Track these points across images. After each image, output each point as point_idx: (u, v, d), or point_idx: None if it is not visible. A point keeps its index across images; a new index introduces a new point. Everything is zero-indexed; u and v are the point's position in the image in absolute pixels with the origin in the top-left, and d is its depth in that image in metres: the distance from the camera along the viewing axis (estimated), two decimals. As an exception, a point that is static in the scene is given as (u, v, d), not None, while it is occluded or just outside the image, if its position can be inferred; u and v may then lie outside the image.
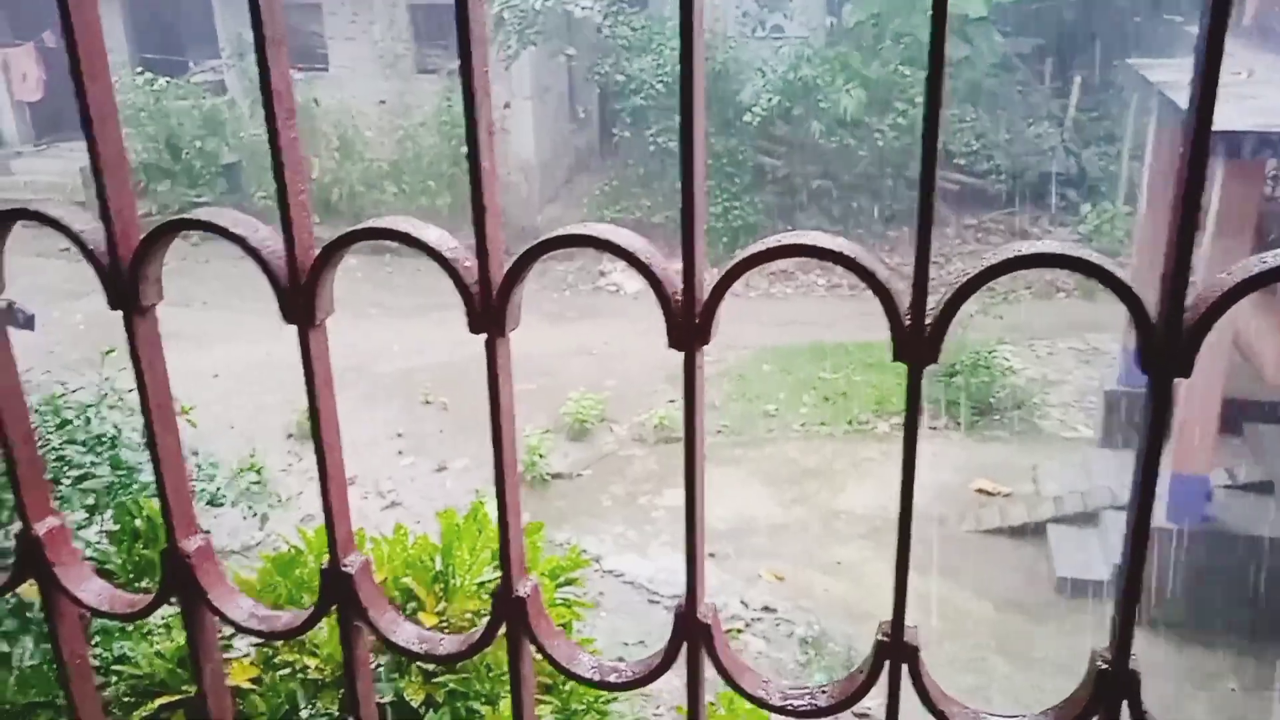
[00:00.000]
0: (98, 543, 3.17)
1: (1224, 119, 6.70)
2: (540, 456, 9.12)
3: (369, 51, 15.59)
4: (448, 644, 0.95)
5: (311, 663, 2.77)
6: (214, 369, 10.54)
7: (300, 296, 0.86)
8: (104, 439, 3.51)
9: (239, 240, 0.87)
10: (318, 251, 0.86)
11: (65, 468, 3.42)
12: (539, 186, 15.77)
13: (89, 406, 3.66)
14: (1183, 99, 7.47)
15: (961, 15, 14.46)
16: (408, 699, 2.82)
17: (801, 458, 9.48)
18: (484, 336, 0.88)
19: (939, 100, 0.73)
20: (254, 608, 0.97)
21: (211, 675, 1.02)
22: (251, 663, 2.79)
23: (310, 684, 2.82)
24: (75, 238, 0.87)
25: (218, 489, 4.10)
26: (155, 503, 3.13)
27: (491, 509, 3.53)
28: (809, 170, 15.24)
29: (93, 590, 0.98)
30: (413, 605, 2.93)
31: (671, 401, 10.34)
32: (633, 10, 15.38)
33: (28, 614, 2.99)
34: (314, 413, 0.91)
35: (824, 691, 0.88)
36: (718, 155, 15.13)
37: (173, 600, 1.00)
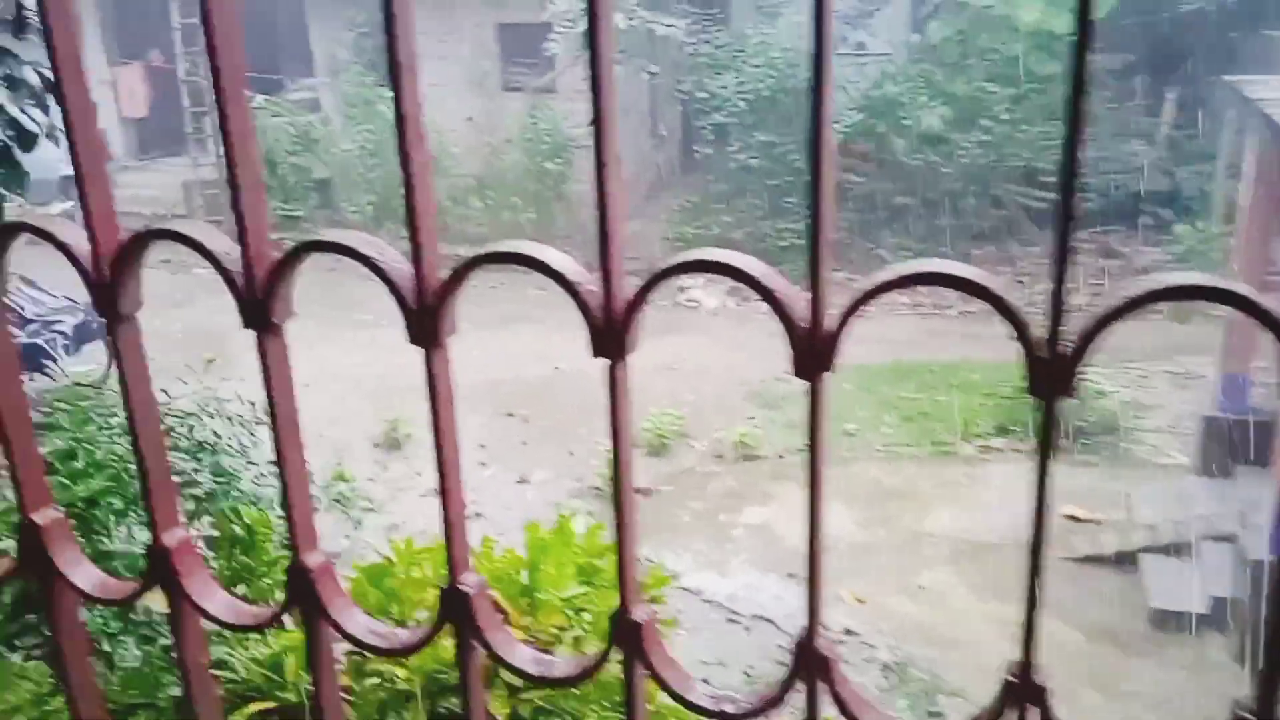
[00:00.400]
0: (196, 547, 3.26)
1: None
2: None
3: (458, 70, 15.89)
4: (562, 667, 0.96)
5: (401, 673, 2.80)
6: (304, 377, 10.78)
7: (427, 318, 0.87)
8: (205, 446, 3.62)
9: (368, 261, 0.89)
10: (446, 274, 0.87)
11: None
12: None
13: (190, 415, 3.78)
14: (1286, 115, 7.23)
15: (1049, 32, 14.18)
16: (492, 712, 2.83)
17: (883, 478, 9.34)
18: (603, 361, 0.88)
19: (1081, 122, 0.72)
20: (372, 624, 0.99)
21: (327, 687, 1.04)
22: (343, 671, 2.84)
23: (399, 695, 2.85)
24: (214, 259, 0.90)
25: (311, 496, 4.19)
26: (254, 510, 3.22)
27: (576, 524, 3.55)
28: (892, 187, 15.07)
29: (218, 602, 1.01)
30: (500, 615, 2.96)
31: (751, 419, 10.29)
32: (716, 28, 15.42)
33: (130, 616, 3.09)
34: (436, 431, 0.92)
35: None
36: (799, 172, 15.05)
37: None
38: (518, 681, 2.89)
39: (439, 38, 15.76)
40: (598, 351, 0.86)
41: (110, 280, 0.94)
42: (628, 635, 0.92)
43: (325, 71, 16.78)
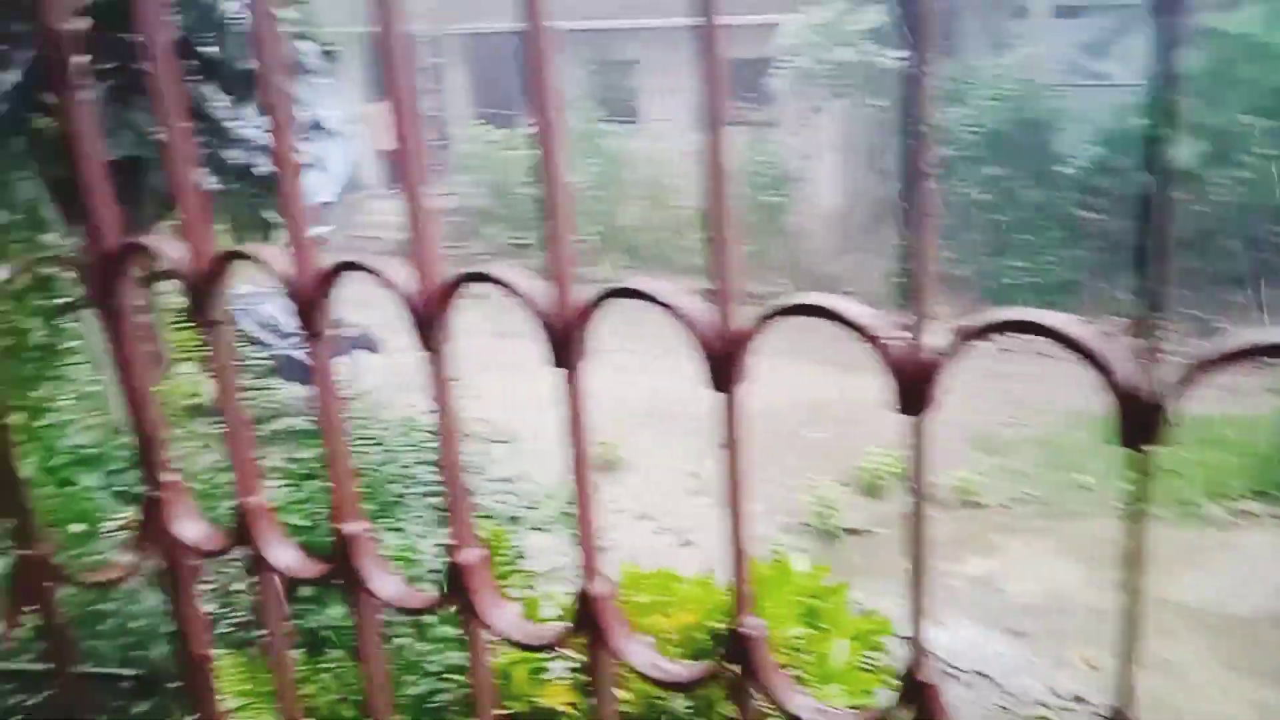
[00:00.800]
0: (437, 556, 3.45)
1: None
2: (832, 509, 8.97)
3: (683, 104, 16.22)
4: (844, 718, 0.93)
5: (624, 695, 2.84)
6: (532, 397, 11.22)
7: (724, 363, 0.89)
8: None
9: (670, 309, 0.91)
10: (746, 323, 0.90)
11: (412, 484, 3.74)
12: (839, 237, 15.69)
13: (436, 432, 3.99)
14: None
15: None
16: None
17: (1119, 537, 8.72)
18: (900, 415, 0.87)
19: None
20: (654, 657, 1.00)
21: (607, 711, 1.06)
22: (570, 687, 2.91)
23: (623, 717, 2.89)
24: (528, 300, 0.95)
25: (538, 514, 4.35)
26: (491, 526, 3.36)
27: (794, 563, 3.50)
28: (1131, 225, 14.15)
29: (506, 620, 1.05)
30: (719, 654, 2.94)
31: (975, 465, 9.86)
32: (943, 60, 15.04)
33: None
34: (731, 473, 0.93)
35: None
36: (1029, 207, 14.42)
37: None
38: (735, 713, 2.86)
39: (666, 74, 16.16)
40: (905, 409, 0.85)
41: (432, 314, 1.01)
42: (920, 695, 0.89)
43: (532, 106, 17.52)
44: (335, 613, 3.24)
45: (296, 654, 3.08)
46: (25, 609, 1.25)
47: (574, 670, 3.03)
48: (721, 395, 0.93)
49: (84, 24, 1.09)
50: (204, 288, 1.10)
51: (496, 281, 0.98)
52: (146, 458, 1.22)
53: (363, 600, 1.12)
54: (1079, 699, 6.66)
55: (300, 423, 4.48)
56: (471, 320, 0.99)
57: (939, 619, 7.11)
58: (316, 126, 6.73)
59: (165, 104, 1.07)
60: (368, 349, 10.34)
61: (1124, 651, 0.86)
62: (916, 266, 0.85)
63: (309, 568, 1.19)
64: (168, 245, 1.15)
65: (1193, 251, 13.89)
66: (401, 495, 3.42)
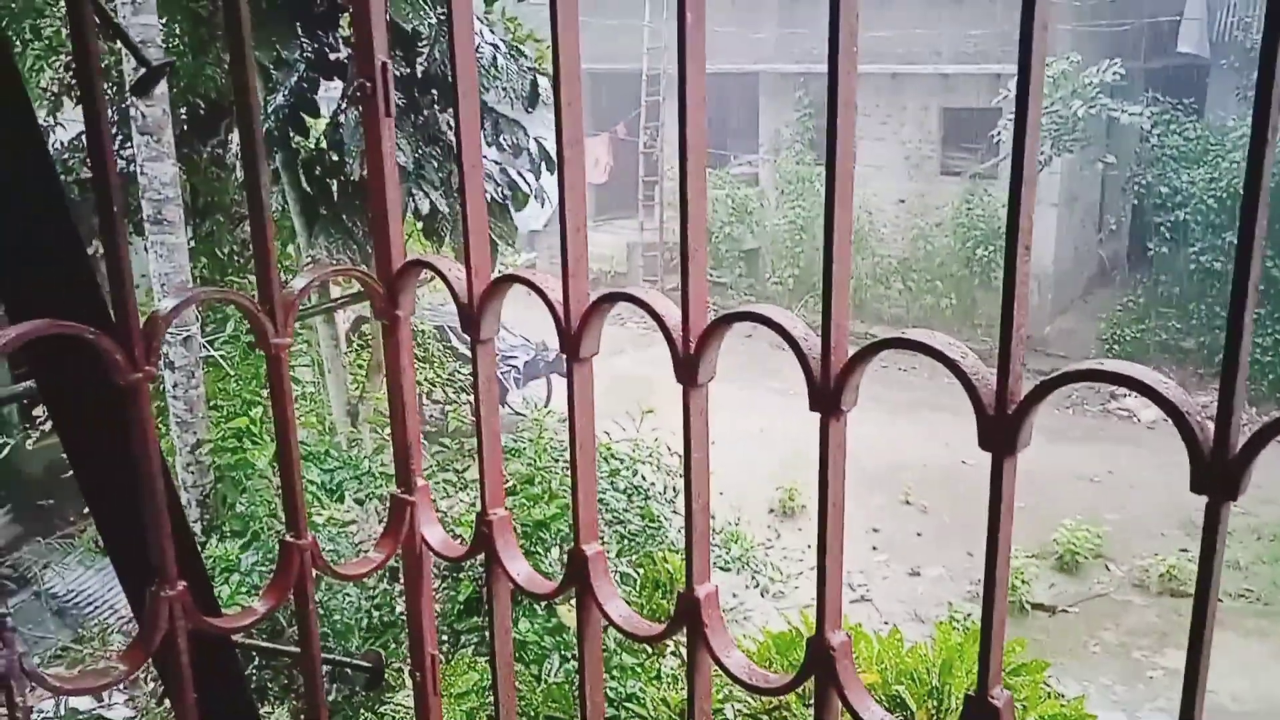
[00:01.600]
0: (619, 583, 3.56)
1: None
2: (1023, 583, 8.57)
3: (896, 152, 15.99)
4: None
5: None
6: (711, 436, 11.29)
7: (829, 392, 0.91)
8: (639, 490, 3.92)
9: (785, 335, 0.96)
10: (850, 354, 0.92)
11: (604, 510, 3.86)
12: (1052, 296, 15.02)
13: (631, 460, 4.12)
14: None
15: None
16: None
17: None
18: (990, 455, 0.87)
19: None
20: (748, 663, 1.06)
21: (700, 706, 1.10)
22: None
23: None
24: (659, 320, 1.03)
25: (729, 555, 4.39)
26: (677, 558, 3.44)
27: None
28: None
29: (736, 660, 1.09)
30: (902, 715, 2.90)
31: (1184, 550, 9.20)
32: (1188, 119, 14.20)
33: (561, 635, 3.42)
34: (822, 500, 0.96)
35: None
36: (1274, 281, 13.38)
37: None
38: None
39: (881, 119, 15.99)
40: (984, 445, 0.85)
41: (577, 331, 1.10)
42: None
43: (768, 149, 17.63)
44: (523, 627, 3.38)
45: (483, 660, 3.23)
46: (285, 594, 1.37)
47: (746, 716, 3.04)
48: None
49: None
50: (480, 308, 1.20)
51: (636, 301, 1.05)
52: (401, 462, 1.33)
53: (592, 620, 1.18)
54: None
55: (504, 440, 4.68)
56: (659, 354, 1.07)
57: (1133, 712, 6.67)
58: (544, 158, 7.07)
59: (463, 141, 1.18)
60: (561, 374, 10.71)
61: None
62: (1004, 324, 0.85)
63: (543, 584, 1.27)
64: (449, 265, 1.26)
65: None
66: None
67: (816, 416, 0.99)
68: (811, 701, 1.07)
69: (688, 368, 1.05)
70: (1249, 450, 0.80)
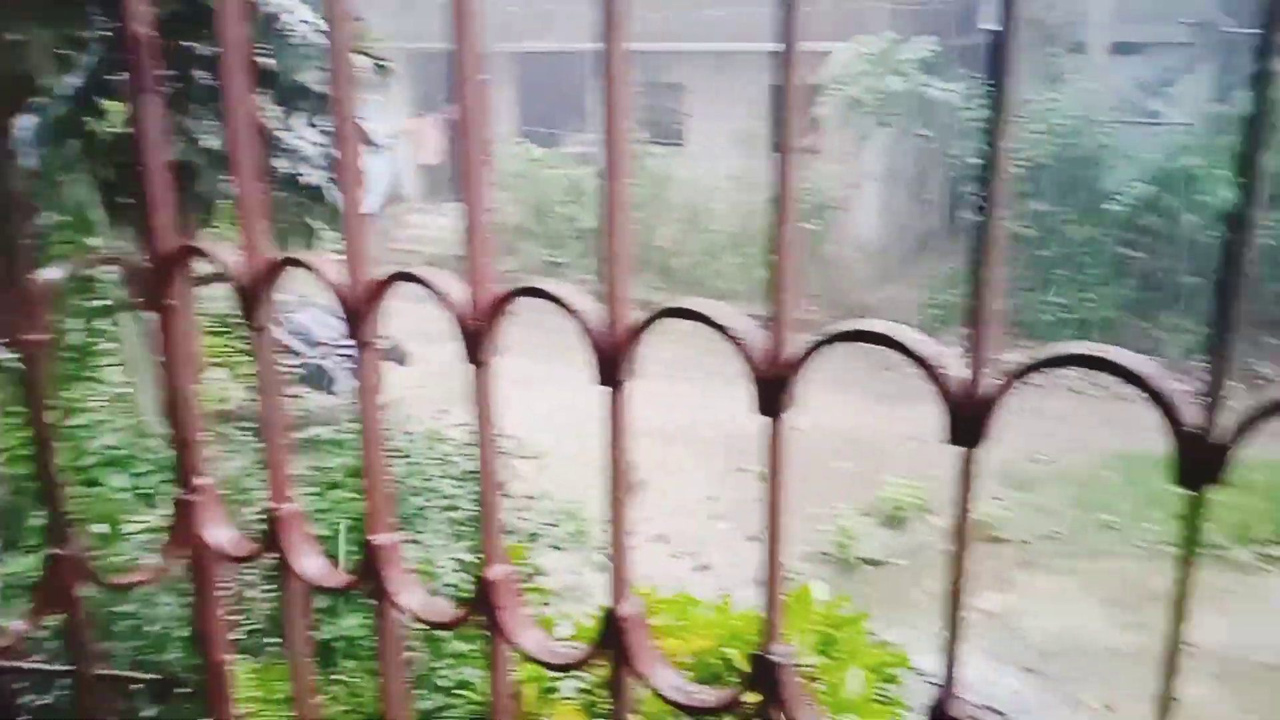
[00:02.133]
0: (455, 570, 3.52)
1: None
2: (852, 539, 8.96)
3: (728, 129, 16.30)
4: None
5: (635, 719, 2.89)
6: (555, 414, 11.31)
7: (775, 388, 0.92)
8: (473, 475, 3.89)
9: (723, 331, 0.95)
10: (800, 350, 0.92)
11: (434, 497, 3.82)
12: (879, 267, 15.68)
13: (465, 445, 4.09)
14: None
15: None
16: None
17: (1145, 579, 8.64)
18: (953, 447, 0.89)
19: None
20: (677, 680, 1.03)
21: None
22: (579, 707, 2.96)
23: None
24: (578, 318, 0.99)
25: (557, 531, 4.41)
26: (510, 541, 3.44)
27: (816, 591, 3.54)
28: (1178, 266, 14.02)
29: (532, 639, 1.10)
30: (733, 678, 2.99)
31: (998, 499, 9.81)
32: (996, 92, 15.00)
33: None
34: (771, 502, 0.95)
35: None
36: (1072, 243, 14.33)
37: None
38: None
39: (711, 98, 16.28)
40: (956, 440, 0.88)
41: (481, 328, 1.05)
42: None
43: (600, 128, 17.68)
44: (348, 624, 3.31)
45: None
46: (52, 609, 1.28)
47: (583, 690, 3.08)
48: (768, 421, 0.93)
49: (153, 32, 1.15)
50: (256, 293, 1.15)
51: (550, 297, 1.00)
52: (181, 460, 1.26)
53: (387, 612, 1.16)
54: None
55: (326, 432, 4.57)
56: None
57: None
58: (365, 140, 6.88)
59: (235, 114, 1.11)
60: (396, 361, 10.49)
61: (1162, 698, 0.87)
62: (976, 301, 0.85)
63: (335, 577, 1.24)
64: (224, 250, 1.19)
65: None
66: (422, 509, 3.49)
67: (764, 415, 0.95)
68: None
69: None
70: (994, 397, 0.85)
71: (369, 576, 1.15)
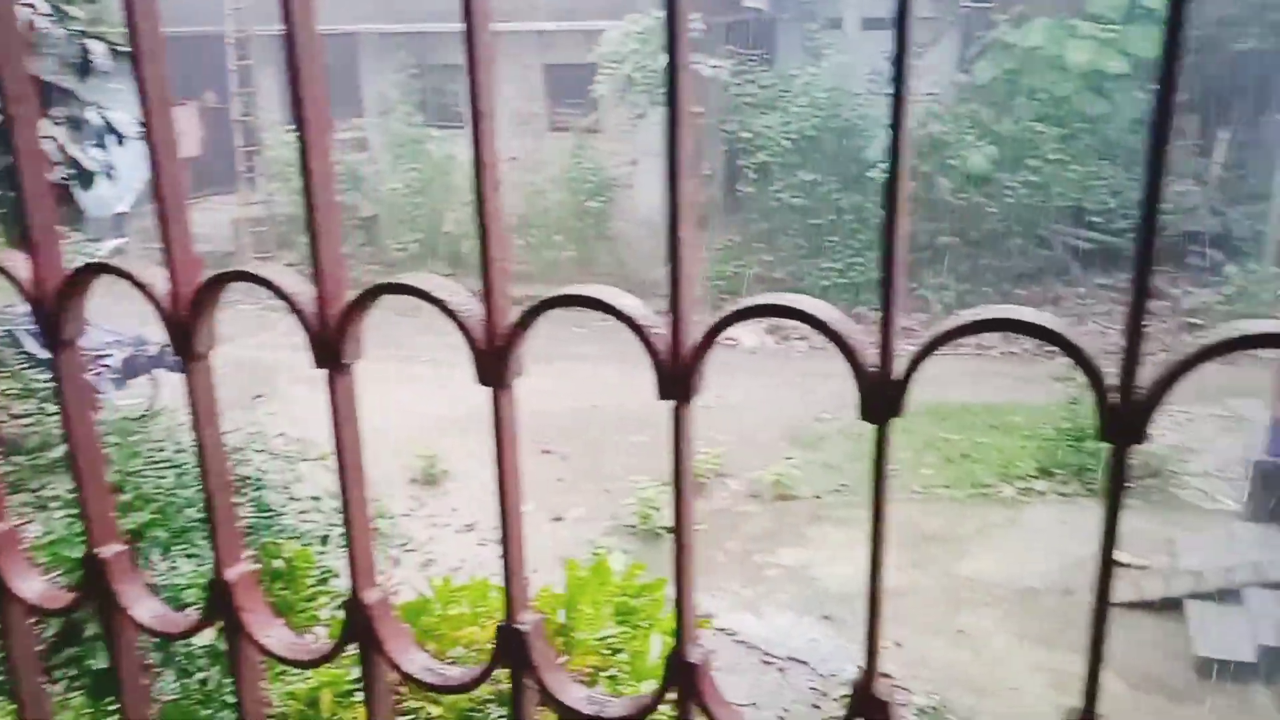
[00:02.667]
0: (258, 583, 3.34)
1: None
2: (654, 509, 9.16)
3: (502, 109, 16.14)
4: (616, 707, 0.99)
5: (435, 710, 2.85)
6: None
7: (496, 360, 0.91)
8: (249, 480, 3.71)
9: (441, 305, 0.93)
10: (515, 318, 0.91)
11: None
12: (661, 241, 15.98)
13: (238, 450, 3.89)
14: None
15: (1099, 72, 14.14)
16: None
17: (922, 520, 9.26)
18: (669, 404, 0.90)
19: (1162, 163, 0.73)
20: (428, 662, 1.03)
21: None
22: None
23: (432, 729, 2.89)
24: (289, 300, 0.95)
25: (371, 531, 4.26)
26: (296, 546, 3.30)
27: (614, 562, 3.58)
28: (936, 227, 15.04)
29: (277, 638, 1.06)
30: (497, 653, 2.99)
31: (789, 459, 10.26)
32: (761, 69, 15.57)
33: (170, 649, 3.18)
34: (501, 471, 0.96)
35: None
36: (841, 211, 15.10)
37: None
38: None
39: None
40: (664, 394, 0.89)
41: (187, 319, 0.99)
42: (683, 676, 0.96)
43: (375, 112, 17.17)
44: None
45: (77, 696, 2.93)
46: None
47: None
48: (490, 392, 0.93)
49: None
50: (57, 304, 1.04)
51: (259, 281, 0.96)
52: None
53: (119, 626, 1.10)
54: (883, 675, 7.05)
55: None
56: (276, 337, 0.97)
57: (756, 609, 7.37)
58: (109, 131, 6.38)
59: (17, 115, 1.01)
60: (168, 368, 9.88)
61: (869, 625, 0.93)
62: (673, 266, 0.88)
63: (58, 597, 1.16)
64: (13, 259, 1.05)
65: (987, 250, 14.88)
66: (194, 520, 3.31)
67: (485, 386, 0.93)
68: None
69: (329, 348, 0.96)
70: (696, 355, 0.87)
71: (96, 591, 1.08)
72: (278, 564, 3.24)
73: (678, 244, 0.87)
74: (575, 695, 1.01)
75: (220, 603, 1.06)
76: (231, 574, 1.05)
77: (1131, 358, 0.78)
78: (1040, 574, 8.37)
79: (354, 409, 0.99)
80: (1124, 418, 0.77)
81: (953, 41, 16.58)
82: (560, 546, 9.21)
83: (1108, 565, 0.84)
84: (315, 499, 3.89)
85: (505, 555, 0.97)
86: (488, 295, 0.90)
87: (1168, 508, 9.39)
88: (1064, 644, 7.43)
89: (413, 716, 2.90)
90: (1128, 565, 8.39)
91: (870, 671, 0.92)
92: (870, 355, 0.83)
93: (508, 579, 0.98)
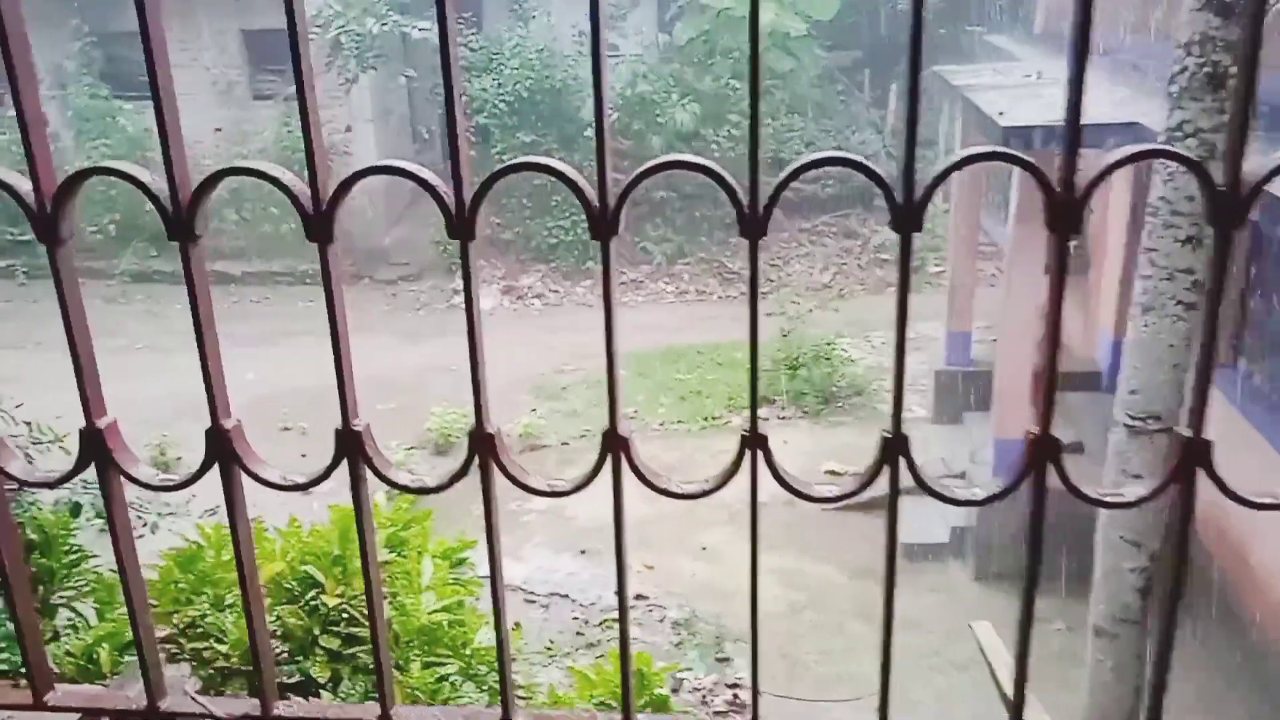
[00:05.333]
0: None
1: (1018, 116, 7.47)
2: (409, 475, 9.21)
3: (201, 79, 15.27)
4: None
5: (221, 648, 2.92)
6: (58, 410, 10.17)
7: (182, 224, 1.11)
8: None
9: (139, 183, 1.12)
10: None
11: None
12: (384, 208, 15.76)
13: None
14: (984, 101, 8.27)
15: (784, 33, 15.29)
16: (314, 676, 2.99)
17: (662, 454, 9.89)
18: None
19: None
20: (156, 473, 1.20)
21: (124, 541, 1.24)
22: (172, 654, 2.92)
23: (219, 672, 2.97)
24: (9, 188, 1.10)
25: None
26: (47, 514, 3.21)
27: (380, 501, 3.74)
28: (650, 182, 15.68)
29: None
30: (315, 590, 3.12)
31: (534, 411, 10.60)
32: (470, 31, 15.59)
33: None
34: (197, 323, 1.15)
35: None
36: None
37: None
38: (335, 645, 3.05)
39: (178, 45, 15.11)
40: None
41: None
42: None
43: (52, 85, 15.69)
44: None
45: None
46: None
47: (163, 642, 3.02)
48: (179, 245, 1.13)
49: None
50: None
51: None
52: None
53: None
54: (639, 596, 7.58)
55: None
56: None
57: (516, 554, 7.66)
58: None
59: None
60: None
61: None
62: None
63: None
64: None
65: (701, 202, 15.79)
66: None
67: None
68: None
69: (44, 226, 1.12)
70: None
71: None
72: (35, 536, 3.16)
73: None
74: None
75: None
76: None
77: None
78: (767, 490, 9.13)
79: (75, 281, 1.15)
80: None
81: (652, 3, 17.33)
82: (317, 516, 9.07)
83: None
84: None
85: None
86: (169, 170, 1.12)
87: (872, 421, 10.54)
88: (790, 547, 8.25)
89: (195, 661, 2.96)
90: (841, 474, 9.39)
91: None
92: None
93: (207, 382, 1.17)
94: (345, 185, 1.10)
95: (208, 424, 1.18)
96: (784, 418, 10.67)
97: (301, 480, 1.21)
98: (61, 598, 3.08)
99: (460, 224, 1.08)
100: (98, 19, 14.98)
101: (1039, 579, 1.17)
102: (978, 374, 9.78)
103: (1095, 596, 4.85)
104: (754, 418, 1.13)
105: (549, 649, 7.00)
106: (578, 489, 1.19)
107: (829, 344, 11.12)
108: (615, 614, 7.29)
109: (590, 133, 12.86)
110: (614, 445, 1.15)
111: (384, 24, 14.21)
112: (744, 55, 15.61)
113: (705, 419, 10.64)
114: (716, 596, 7.66)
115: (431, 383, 11.14)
